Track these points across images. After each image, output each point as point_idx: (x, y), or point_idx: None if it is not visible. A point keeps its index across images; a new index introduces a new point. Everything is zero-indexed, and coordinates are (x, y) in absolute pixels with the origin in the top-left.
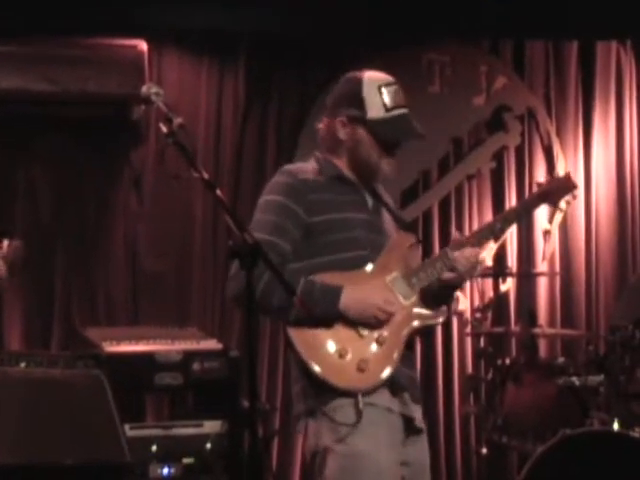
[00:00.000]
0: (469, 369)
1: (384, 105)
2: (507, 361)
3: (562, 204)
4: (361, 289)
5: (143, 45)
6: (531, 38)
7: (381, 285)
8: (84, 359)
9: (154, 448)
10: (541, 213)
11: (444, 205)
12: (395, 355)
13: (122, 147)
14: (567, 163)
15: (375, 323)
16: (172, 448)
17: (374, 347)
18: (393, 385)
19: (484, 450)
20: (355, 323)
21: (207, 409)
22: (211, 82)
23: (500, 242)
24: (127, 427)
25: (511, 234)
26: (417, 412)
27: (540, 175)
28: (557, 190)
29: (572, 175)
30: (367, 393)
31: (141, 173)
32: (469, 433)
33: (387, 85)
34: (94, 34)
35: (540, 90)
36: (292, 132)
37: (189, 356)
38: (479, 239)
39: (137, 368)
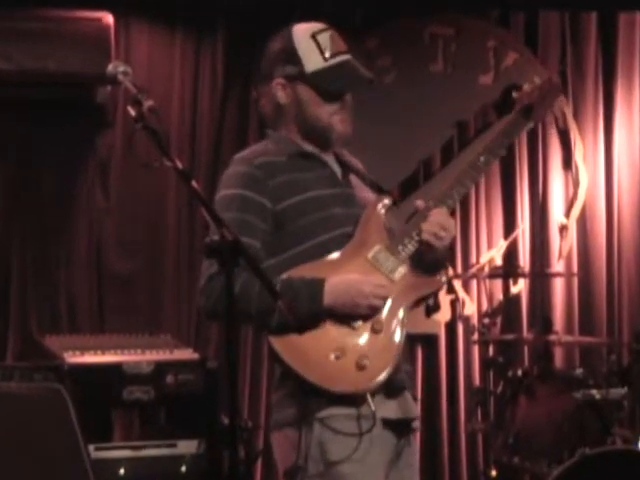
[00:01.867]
0: (476, 381)
1: (322, 54)
2: (519, 372)
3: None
4: (344, 278)
5: (109, 18)
6: (545, 8)
7: (364, 265)
8: (43, 371)
9: (122, 471)
10: (557, 205)
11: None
12: (396, 342)
13: (85, 133)
14: (585, 149)
15: (369, 312)
16: (142, 471)
17: (370, 337)
18: (391, 384)
19: (493, 472)
20: (345, 316)
21: (182, 427)
22: (186, 59)
23: (511, 239)
24: (92, 448)
25: (523, 229)
26: (418, 411)
27: (556, 163)
28: (540, 98)
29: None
30: (372, 393)
31: (107, 162)
32: (476, 453)
33: (321, 32)
34: (53, 6)
35: (555, 67)
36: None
37: (161, 367)
38: (463, 185)
39: (103, 381)
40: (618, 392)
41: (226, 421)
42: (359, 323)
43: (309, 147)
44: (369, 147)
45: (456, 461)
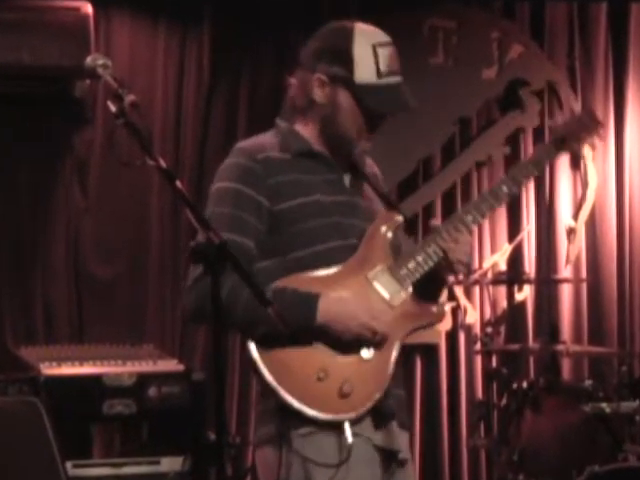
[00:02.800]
0: (478, 394)
1: (377, 69)
2: (524, 384)
3: (585, 150)
4: (341, 298)
5: (87, 7)
6: None
7: (363, 284)
8: (18, 384)
9: None
10: (564, 207)
11: (448, 198)
12: (386, 373)
13: (63, 130)
14: (595, 147)
15: (360, 342)
16: None
17: (359, 365)
18: (378, 413)
19: None
20: (336, 338)
21: (165, 443)
22: (170, 52)
23: (515, 242)
24: (69, 465)
25: (528, 233)
26: (403, 441)
27: (563, 162)
28: (577, 130)
29: (601, 135)
30: (353, 423)
31: (86, 161)
32: (479, 470)
33: (383, 45)
34: None
35: (563, 60)
36: (267, 111)
37: (144, 379)
38: (479, 211)
39: (81, 394)
40: (630, 405)
41: (213, 437)
42: (349, 348)
43: (320, 147)
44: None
45: (457, 479)
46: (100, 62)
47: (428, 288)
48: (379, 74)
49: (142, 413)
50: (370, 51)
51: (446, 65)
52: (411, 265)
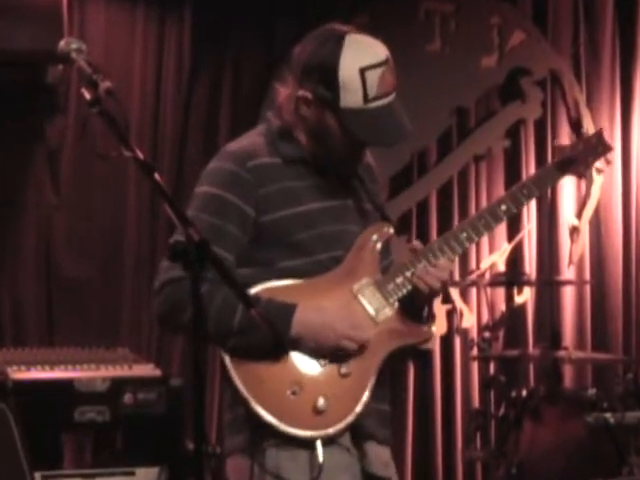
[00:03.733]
0: (475, 402)
1: (364, 94)
2: (523, 393)
3: (593, 173)
4: (318, 307)
5: None
6: None
7: (346, 297)
8: None
9: None
10: (567, 205)
11: (444, 194)
12: (365, 391)
13: (34, 118)
14: None
15: (339, 354)
16: None
17: (336, 381)
18: (356, 431)
19: None
20: (312, 350)
21: (141, 452)
22: (148, 36)
23: (515, 242)
24: (38, 476)
25: (529, 232)
26: (382, 457)
27: None
28: (584, 153)
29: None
30: (328, 441)
31: (58, 152)
32: None
33: (374, 67)
34: None
35: (567, 48)
36: (252, 102)
37: (118, 385)
38: (475, 229)
39: (52, 400)
40: (635, 416)
41: (191, 446)
42: (326, 361)
43: (312, 158)
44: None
45: None
46: (74, 46)
47: (413, 305)
48: (366, 99)
49: (116, 421)
50: (357, 76)
51: (443, 52)
52: (399, 280)
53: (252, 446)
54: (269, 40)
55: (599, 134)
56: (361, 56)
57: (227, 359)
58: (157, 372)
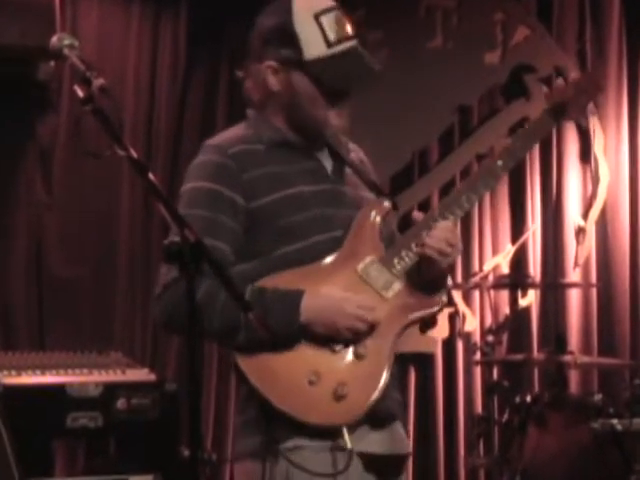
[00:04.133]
0: (478, 408)
1: (325, 39)
2: (527, 398)
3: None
4: (325, 293)
5: None
6: None
7: (352, 278)
8: None
9: None
10: (573, 205)
11: (446, 194)
12: (383, 370)
13: (25, 116)
14: (607, 139)
15: (351, 336)
16: None
17: (353, 364)
18: (377, 413)
19: None
20: (324, 337)
21: (135, 459)
22: (143, 32)
23: (519, 243)
24: None
25: (534, 232)
26: (403, 433)
27: (572, 155)
28: (575, 96)
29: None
30: (350, 427)
31: (49, 150)
32: None
33: (326, 12)
34: None
35: (572, 45)
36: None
37: (112, 390)
38: (475, 190)
39: (43, 406)
40: None
41: (187, 453)
42: (340, 346)
43: (295, 137)
44: (354, 136)
45: None
46: (66, 42)
47: (427, 282)
48: (328, 44)
49: (109, 427)
50: (313, 22)
51: (445, 49)
52: (404, 253)
53: (265, 449)
54: (255, 24)
55: (590, 75)
56: (311, 6)
57: (239, 358)
58: (151, 377)
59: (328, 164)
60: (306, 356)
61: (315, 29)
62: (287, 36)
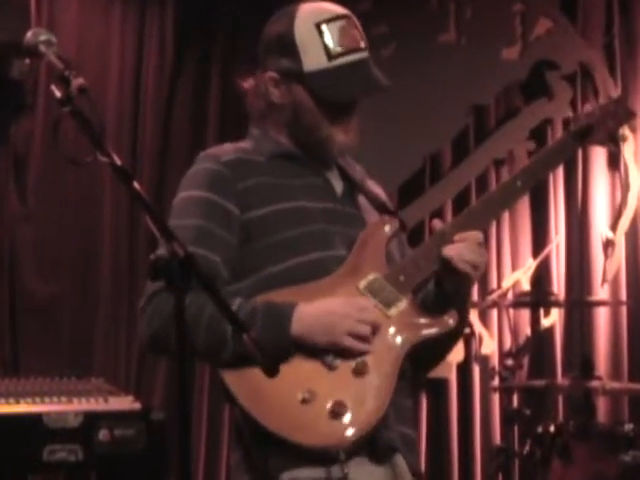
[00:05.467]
0: (496, 439)
1: (326, 50)
2: (551, 428)
3: (621, 137)
4: (320, 303)
5: None
6: None
7: (352, 294)
8: None
9: None
10: (600, 215)
11: (461, 204)
12: (386, 390)
13: None
14: (638, 143)
15: (354, 343)
16: None
17: (352, 381)
18: (377, 443)
19: None
20: (321, 351)
21: None
22: (126, 27)
23: (541, 257)
24: None
25: (557, 245)
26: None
27: (599, 161)
28: (602, 120)
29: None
30: (348, 452)
31: (24, 156)
32: None
33: (330, 21)
34: None
35: (599, 38)
36: (242, 100)
37: (93, 420)
38: (491, 210)
39: (18, 437)
40: None
41: None
42: (338, 361)
43: (299, 152)
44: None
45: None
46: (43, 38)
47: (438, 302)
48: (329, 55)
49: (90, 460)
50: (314, 31)
51: (458, 43)
52: (411, 270)
53: None
54: (261, 32)
55: (619, 100)
56: (315, 14)
57: (225, 375)
58: (136, 405)
59: (338, 185)
60: (300, 372)
61: (315, 39)
62: (287, 46)
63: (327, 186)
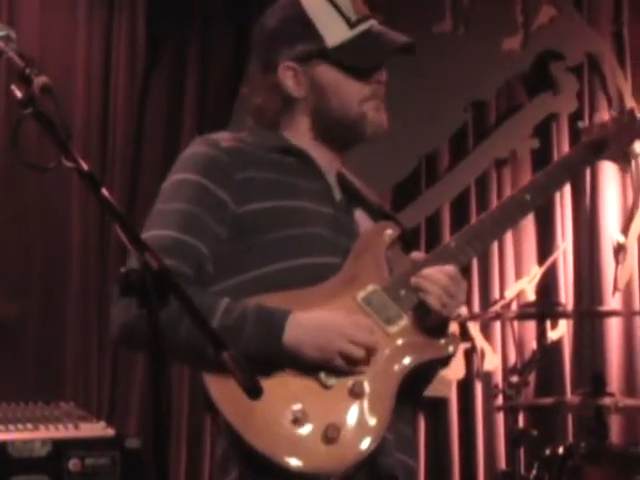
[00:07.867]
0: (501, 463)
1: (345, 19)
2: (560, 450)
3: (633, 154)
4: (318, 313)
5: None
6: None
7: (351, 307)
8: None
9: None
10: (611, 219)
11: (459, 207)
12: (384, 414)
13: None
14: None
15: (345, 366)
16: None
17: (347, 403)
18: (376, 469)
19: None
20: (314, 368)
21: None
22: (94, 21)
23: (547, 265)
24: None
25: (564, 251)
26: None
27: (608, 163)
28: (616, 134)
29: None
30: (342, 477)
31: None
32: None
33: None
34: None
35: (607, 27)
36: (221, 99)
37: (62, 448)
38: (487, 234)
39: None
40: None
41: None
42: (332, 380)
43: (318, 148)
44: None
45: None
46: (1, 33)
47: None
48: (350, 24)
49: None
50: (328, 5)
51: (455, 33)
52: (413, 284)
53: None
54: (241, 25)
55: (631, 112)
56: None
57: (213, 390)
58: (109, 432)
59: (336, 192)
60: (292, 387)
61: (332, 12)
62: (302, 27)
63: (328, 191)
